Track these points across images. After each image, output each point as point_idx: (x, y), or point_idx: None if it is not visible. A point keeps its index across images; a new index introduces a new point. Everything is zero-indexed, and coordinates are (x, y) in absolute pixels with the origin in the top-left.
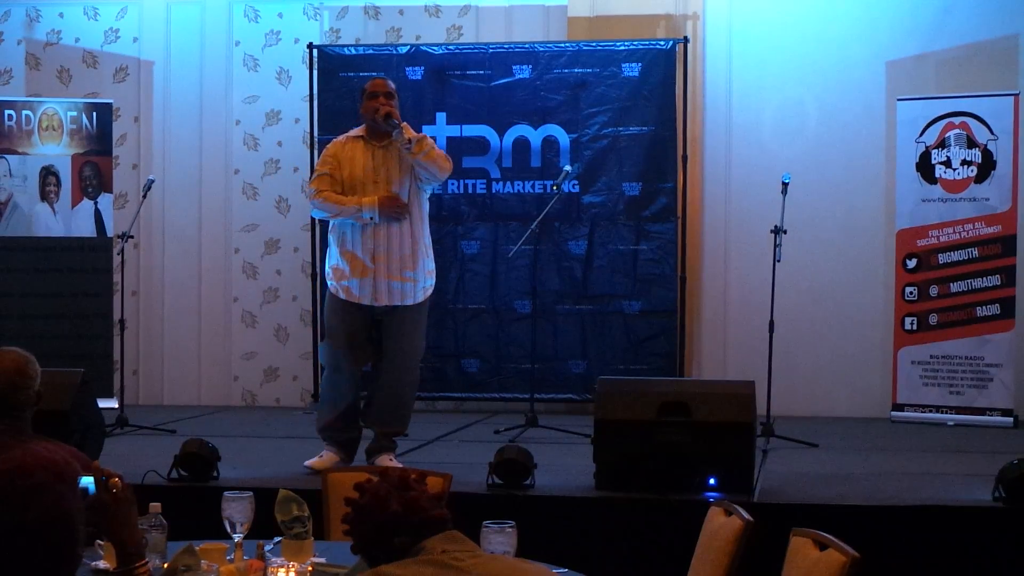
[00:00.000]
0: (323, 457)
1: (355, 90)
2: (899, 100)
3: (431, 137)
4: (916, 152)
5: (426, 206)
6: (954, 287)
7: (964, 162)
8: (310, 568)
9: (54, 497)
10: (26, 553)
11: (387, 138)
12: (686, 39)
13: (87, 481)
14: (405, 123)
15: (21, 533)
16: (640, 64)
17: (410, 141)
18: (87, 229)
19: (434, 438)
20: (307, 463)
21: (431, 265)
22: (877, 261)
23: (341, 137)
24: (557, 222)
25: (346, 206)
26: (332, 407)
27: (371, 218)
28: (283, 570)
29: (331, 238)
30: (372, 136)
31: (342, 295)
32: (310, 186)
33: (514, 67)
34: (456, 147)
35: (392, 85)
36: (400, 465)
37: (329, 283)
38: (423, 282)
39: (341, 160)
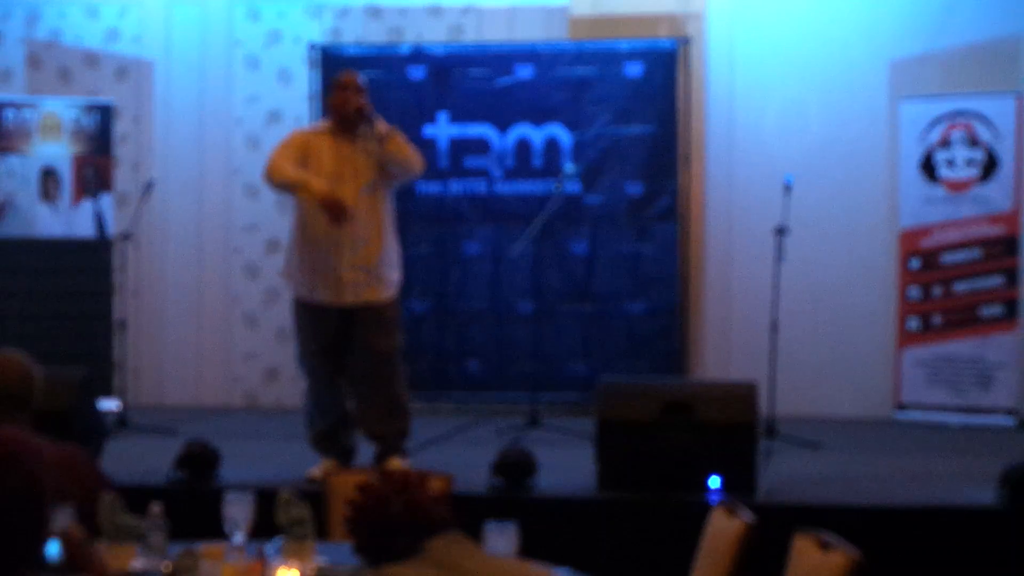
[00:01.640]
0: (322, 466)
1: None
2: (902, 100)
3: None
4: (919, 152)
5: (392, 203)
6: (957, 287)
7: (967, 162)
8: (311, 569)
9: (25, 468)
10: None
11: (355, 132)
12: (688, 39)
13: (52, 548)
14: (379, 116)
15: None
16: (642, 64)
17: (383, 136)
18: (87, 229)
19: (435, 439)
20: (307, 474)
21: (396, 260)
22: (880, 261)
23: (308, 128)
24: (559, 222)
25: (296, 178)
26: (321, 419)
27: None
28: (284, 571)
29: (292, 235)
30: (340, 129)
31: (304, 295)
32: (271, 156)
33: (516, 67)
34: (458, 147)
35: (363, 80)
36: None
37: (290, 284)
38: (388, 277)
39: (308, 152)
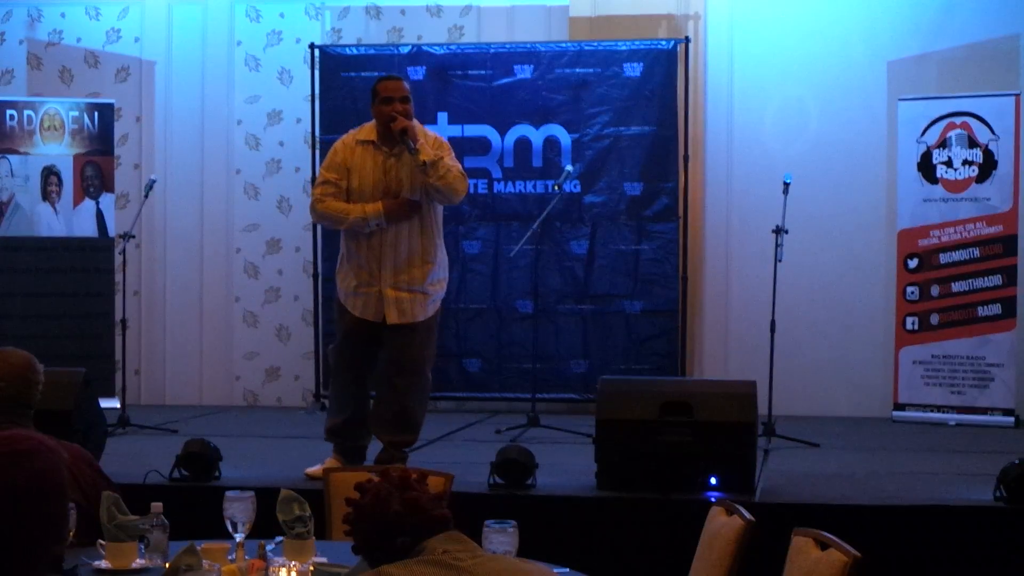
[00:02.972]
0: (324, 464)
1: (357, 90)
2: (900, 100)
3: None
4: (917, 152)
5: (440, 213)
6: (955, 287)
7: (965, 162)
8: (311, 568)
9: (44, 462)
10: (12, 518)
11: (399, 144)
12: (688, 39)
13: None
14: (422, 141)
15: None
16: (642, 64)
17: (425, 164)
18: (89, 229)
19: (435, 438)
20: (307, 471)
21: (443, 274)
22: (878, 261)
23: (349, 137)
24: (558, 222)
25: (351, 216)
26: (338, 412)
27: (378, 225)
28: (284, 570)
29: (342, 245)
30: (383, 141)
31: (348, 307)
32: (313, 193)
33: (516, 67)
34: (458, 147)
35: (407, 86)
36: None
37: (338, 290)
38: (434, 296)
39: (351, 168)
